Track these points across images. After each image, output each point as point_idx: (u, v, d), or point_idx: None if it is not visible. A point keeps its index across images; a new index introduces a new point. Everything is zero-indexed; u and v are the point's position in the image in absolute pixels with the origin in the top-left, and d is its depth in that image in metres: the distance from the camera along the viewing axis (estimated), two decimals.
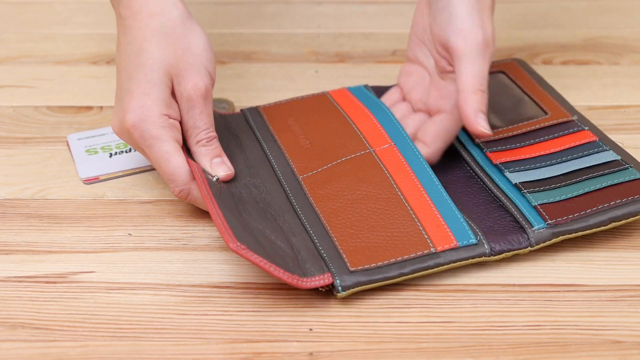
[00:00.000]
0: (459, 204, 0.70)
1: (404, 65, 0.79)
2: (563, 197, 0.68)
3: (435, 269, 0.65)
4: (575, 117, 0.77)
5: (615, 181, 0.69)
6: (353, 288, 0.63)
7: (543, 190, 0.69)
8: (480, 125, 0.70)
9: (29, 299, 0.65)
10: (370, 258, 0.65)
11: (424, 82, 0.77)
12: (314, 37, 0.97)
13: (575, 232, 0.66)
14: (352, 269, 0.64)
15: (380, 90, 0.82)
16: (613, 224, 0.67)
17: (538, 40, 0.95)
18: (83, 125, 0.83)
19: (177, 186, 0.69)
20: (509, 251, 0.66)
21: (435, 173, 0.71)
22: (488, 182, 0.72)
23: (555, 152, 0.73)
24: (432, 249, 0.65)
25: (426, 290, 0.65)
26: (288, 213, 0.69)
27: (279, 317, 0.63)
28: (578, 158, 0.72)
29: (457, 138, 0.76)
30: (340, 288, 0.63)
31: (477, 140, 0.75)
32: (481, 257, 0.65)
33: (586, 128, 0.75)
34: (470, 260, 0.65)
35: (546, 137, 0.75)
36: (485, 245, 0.66)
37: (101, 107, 0.85)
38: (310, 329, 0.62)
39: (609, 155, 0.72)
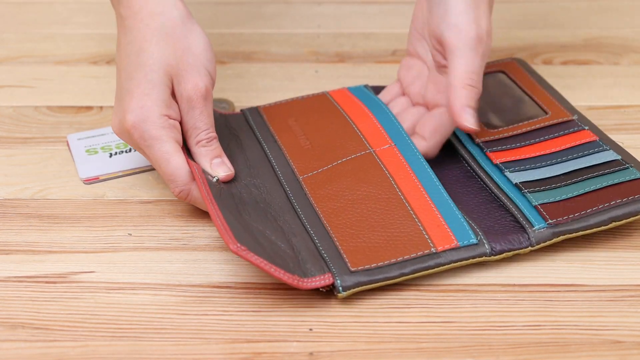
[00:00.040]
0: (460, 204, 0.70)
1: (404, 59, 0.80)
2: (563, 196, 0.68)
3: (436, 269, 0.65)
4: (575, 117, 0.77)
5: (616, 181, 0.69)
6: (354, 288, 0.63)
7: (543, 190, 0.69)
8: (466, 120, 0.70)
9: (29, 299, 0.65)
10: (371, 258, 0.65)
11: (423, 76, 0.77)
12: (314, 37, 0.97)
13: (575, 232, 0.66)
14: (352, 269, 0.64)
15: (380, 90, 0.82)
16: (613, 224, 0.67)
17: (538, 40, 0.95)
18: (83, 125, 0.83)
19: (177, 187, 0.69)
20: (509, 251, 0.66)
21: (435, 173, 0.71)
22: (488, 182, 0.72)
23: (556, 151, 0.73)
24: (432, 249, 0.65)
25: (426, 290, 0.65)
26: (288, 213, 0.69)
27: (279, 317, 0.63)
28: (578, 158, 0.72)
29: (458, 138, 0.76)
30: (340, 288, 0.63)
31: (477, 139, 0.75)
32: (482, 257, 0.65)
33: (586, 127, 0.75)
34: (471, 260, 0.65)
35: (546, 137, 0.75)
36: (486, 245, 0.66)
37: (101, 107, 0.85)
38: (310, 329, 0.62)
39: (609, 155, 0.72)
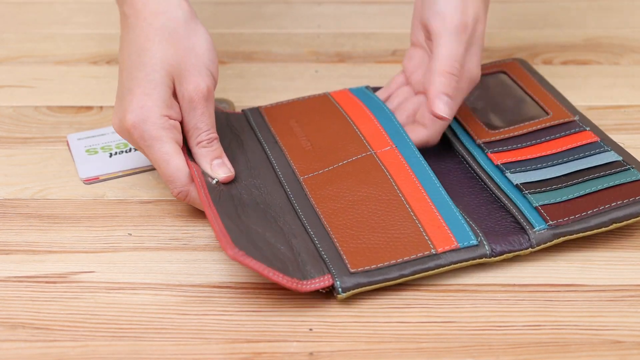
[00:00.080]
0: (460, 205, 0.70)
1: (408, 50, 0.80)
2: (564, 198, 0.68)
3: (436, 270, 0.65)
4: (576, 118, 0.76)
5: (617, 182, 0.69)
6: (353, 289, 0.63)
7: (544, 191, 0.69)
8: (437, 107, 0.70)
9: (29, 299, 0.65)
10: (371, 259, 0.64)
11: (424, 65, 0.78)
12: (314, 37, 0.97)
13: (576, 233, 0.66)
14: (352, 270, 0.64)
15: None
16: (614, 225, 0.67)
17: (538, 40, 0.95)
18: (83, 125, 0.83)
19: (175, 187, 0.69)
20: (509, 252, 0.66)
21: (436, 174, 0.71)
22: (489, 183, 0.72)
23: (557, 152, 0.73)
24: (432, 250, 0.65)
25: (426, 290, 0.65)
26: (289, 214, 0.69)
27: (279, 317, 0.63)
28: (579, 159, 0.72)
29: (459, 139, 0.76)
30: (340, 289, 0.63)
31: (478, 140, 0.75)
32: (482, 258, 0.65)
33: (588, 128, 0.75)
34: (471, 262, 0.65)
35: (548, 138, 0.75)
36: (486, 246, 0.66)
37: (101, 107, 0.85)
38: (310, 329, 0.62)
39: (611, 156, 0.72)
